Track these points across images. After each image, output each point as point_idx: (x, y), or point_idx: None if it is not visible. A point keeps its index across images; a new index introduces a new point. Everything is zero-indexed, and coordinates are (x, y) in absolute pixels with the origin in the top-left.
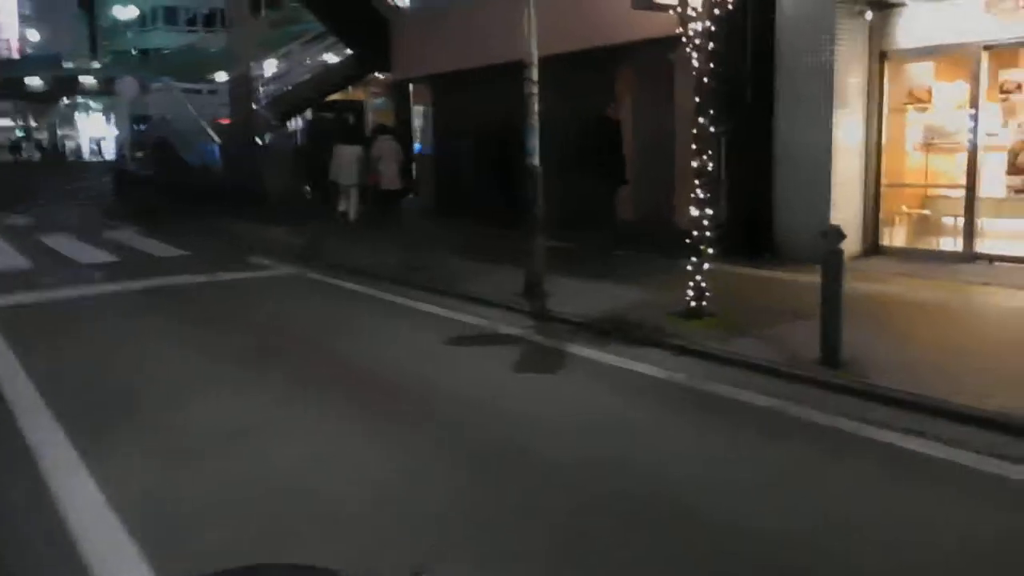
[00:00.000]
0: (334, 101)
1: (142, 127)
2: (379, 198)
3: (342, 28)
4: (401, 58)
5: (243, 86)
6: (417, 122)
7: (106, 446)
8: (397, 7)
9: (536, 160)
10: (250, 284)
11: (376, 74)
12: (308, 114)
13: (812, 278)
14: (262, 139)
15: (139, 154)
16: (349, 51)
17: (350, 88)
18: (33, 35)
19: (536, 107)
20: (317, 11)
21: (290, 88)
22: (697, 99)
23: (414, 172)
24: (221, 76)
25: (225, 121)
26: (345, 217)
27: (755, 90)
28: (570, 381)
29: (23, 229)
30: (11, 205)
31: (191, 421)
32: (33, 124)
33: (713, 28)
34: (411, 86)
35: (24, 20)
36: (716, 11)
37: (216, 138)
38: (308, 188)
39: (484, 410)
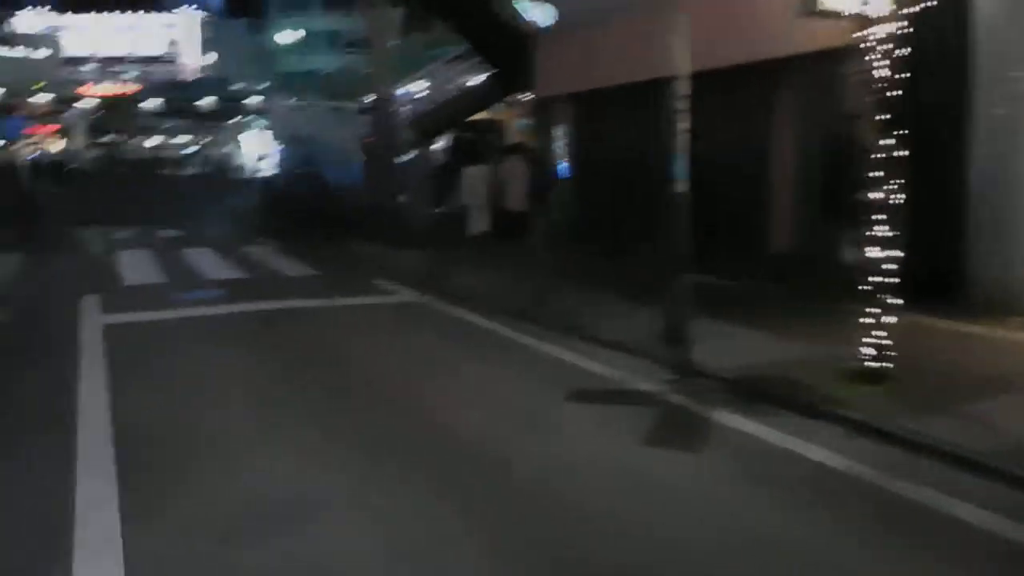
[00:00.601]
0: (475, 121)
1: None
2: (505, 220)
3: (484, 47)
4: (542, 76)
5: (384, 106)
6: (558, 143)
7: (155, 516)
8: (536, 25)
9: (682, 187)
10: (366, 312)
11: (518, 95)
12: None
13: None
14: (403, 159)
15: (289, 171)
16: (491, 70)
17: (496, 108)
18: (209, 59)
19: (683, 128)
20: (460, 30)
21: (432, 108)
22: (879, 117)
23: (551, 195)
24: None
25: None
26: (474, 239)
27: (941, 107)
28: (716, 469)
29: (171, 243)
30: (168, 218)
31: (252, 491)
32: (204, 142)
33: (901, 32)
34: (553, 106)
35: (203, 45)
36: (905, 11)
37: (358, 157)
38: (438, 210)
39: (602, 514)
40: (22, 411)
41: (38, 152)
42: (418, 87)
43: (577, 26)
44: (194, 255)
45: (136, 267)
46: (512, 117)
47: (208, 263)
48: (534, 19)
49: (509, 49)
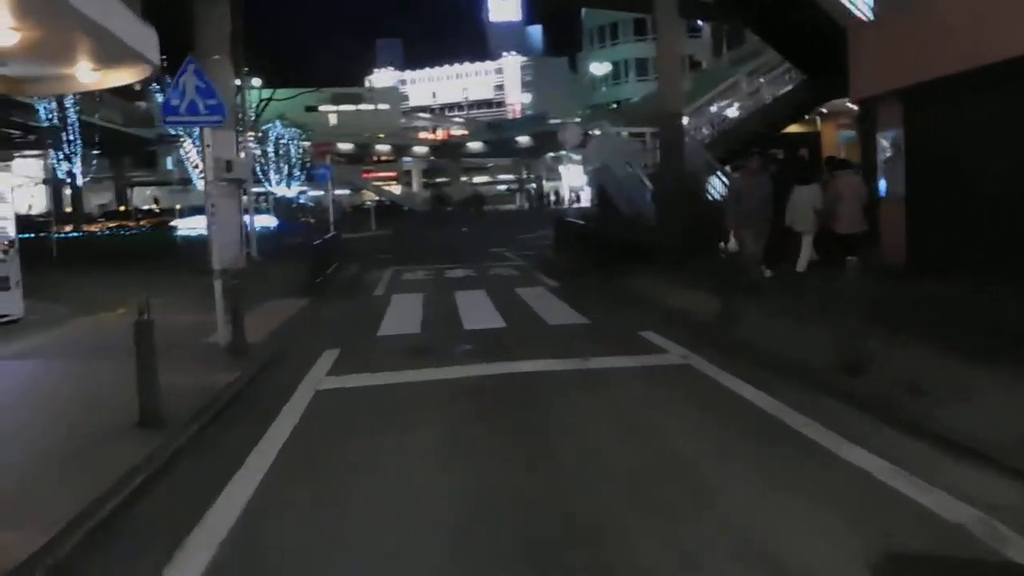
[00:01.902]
0: (784, 135)
1: (593, 177)
2: (836, 245)
3: (794, 50)
4: (860, 73)
5: (672, 128)
6: (883, 154)
7: None
8: (856, 15)
9: None
10: (616, 382)
11: (839, 101)
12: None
13: None
14: (699, 184)
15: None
16: (803, 76)
17: (810, 118)
18: (526, 98)
19: None
20: (766, 34)
21: (732, 125)
22: None
23: (875, 218)
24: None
25: None
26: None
27: None
28: None
29: (453, 284)
30: (460, 256)
31: None
32: (524, 176)
33: None
34: (877, 110)
35: (523, 86)
36: None
37: (649, 185)
38: (724, 244)
39: None
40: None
41: (377, 196)
42: (719, 105)
43: (908, 4)
44: (465, 299)
45: (402, 313)
46: (832, 128)
47: (473, 307)
48: (854, 8)
49: (822, 49)
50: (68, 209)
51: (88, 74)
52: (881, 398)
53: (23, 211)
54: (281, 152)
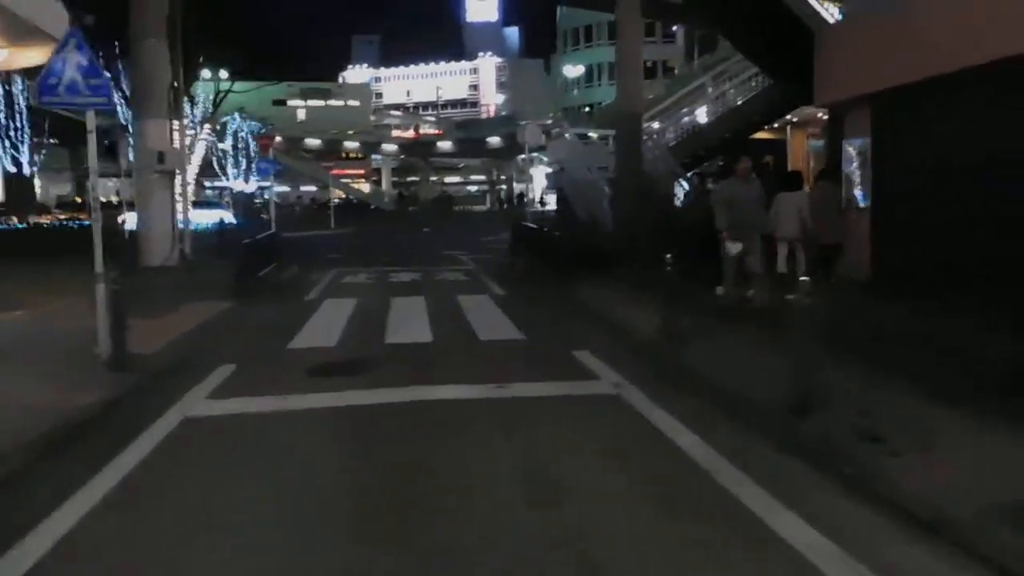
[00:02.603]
0: (752, 141)
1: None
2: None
3: (762, 54)
4: (827, 77)
5: (631, 131)
6: (849, 163)
7: None
8: (824, 17)
9: None
10: (529, 417)
11: (809, 109)
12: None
13: None
14: (660, 189)
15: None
16: (773, 82)
17: (779, 126)
18: (500, 99)
19: None
20: (734, 38)
21: (698, 130)
22: None
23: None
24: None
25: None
26: (785, 278)
27: None
28: None
29: (392, 289)
30: (412, 258)
31: None
32: (495, 177)
33: None
34: (844, 117)
35: (498, 87)
36: None
37: (608, 189)
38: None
39: None
40: None
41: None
42: (685, 110)
43: (879, 5)
44: (400, 307)
45: (325, 322)
46: (801, 136)
47: (404, 318)
48: (824, 9)
49: (793, 54)
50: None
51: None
52: (829, 446)
53: None
54: (240, 146)
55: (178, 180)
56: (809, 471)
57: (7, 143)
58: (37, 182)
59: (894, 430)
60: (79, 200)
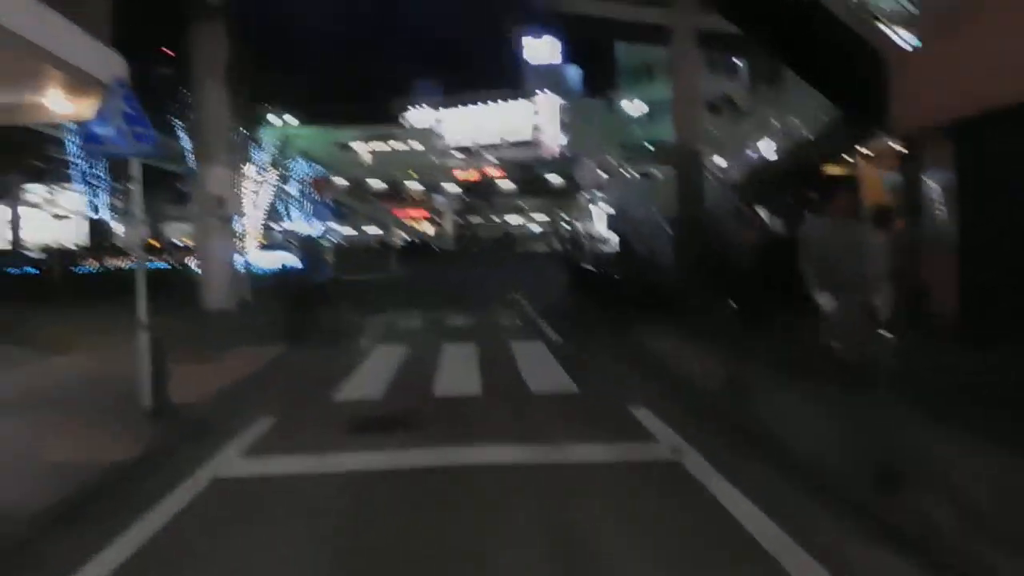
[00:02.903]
0: (821, 175)
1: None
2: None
3: (831, 84)
4: (904, 106)
5: (690, 167)
6: (930, 197)
7: None
8: (898, 42)
9: None
10: (578, 487)
11: (882, 140)
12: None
13: None
14: (723, 227)
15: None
16: (840, 114)
17: (850, 159)
18: (562, 138)
19: None
20: (799, 68)
21: (763, 165)
22: None
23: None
24: (719, 160)
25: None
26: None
27: None
28: None
29: (447, 333)
30: (470, 301)
31: None
32: (557, 217)
33: None
34: (924, 147)
35: (560, 126)
36: None
37: (667, 229)
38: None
39: None
40: None
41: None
42: (750, 144)
43: (961, 18)
44: (451, 354)
45: (374, 371)
46: (873, 169)
47: (455, 367)
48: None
49: (864, 83)
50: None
51: (59, 103)
52: (921, 531)
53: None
54: (305, 190)
55: (242, 223)
56: (899, 561)
57: (90, 190)
58: (119, 226)
59: (1002, 511)
60: (155, 243)
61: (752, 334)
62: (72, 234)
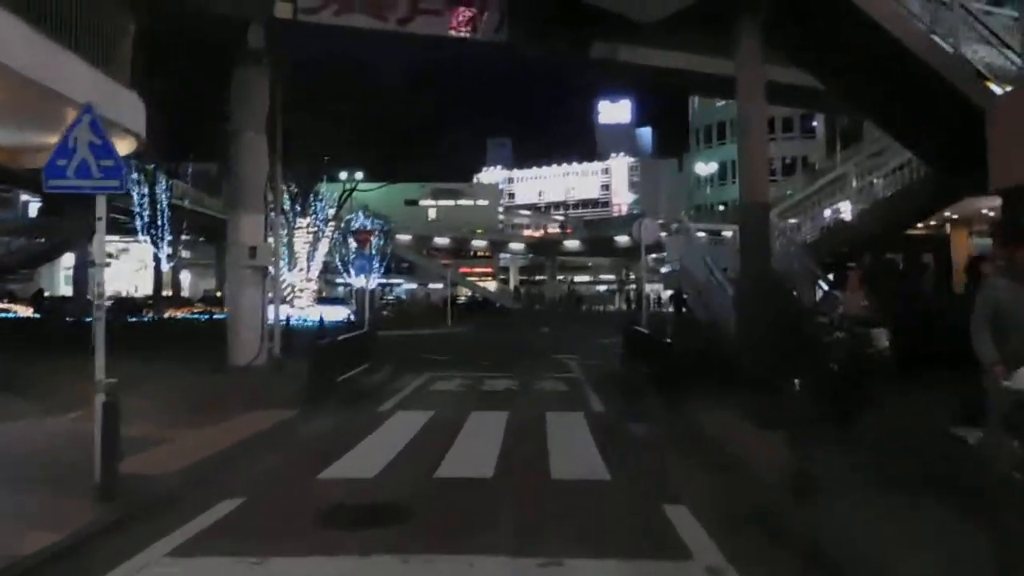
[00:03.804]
0: (905, 237)
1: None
2: None
3: (919, 140)
4: (1002, 159)
5: (757, 224)
6: None
7: None
8: (998, 92)
9: None
10: None
11: (971, 202)
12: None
13: None
14: (795, 292)
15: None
16: (928, 171)
17: (937, 221)
18: (631, 198)
19: None
20: (885, 122)
21: (840, 225)
22: None
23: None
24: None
25: None
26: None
27: None
28: None
29: (481, 397)
30: (518, 362)
31: None
32: (625, 277)
33: None
34: None
35: (630, 186)
36: None
37: (730, 292)
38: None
39: None
40: None
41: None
42: (824, 203)
43: None
44: (476, 425)
45: (383, 442)
46: (962, 233)
47: (473, 441)
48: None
49: (957, 138)
50: (169, 293)
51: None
52: None
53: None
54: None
55: (294, 275)
56: None
57: (155, 240)
58: (187, 277)
59: None
60: (219, 294)
61: (839, 416)
62: (149, 283)
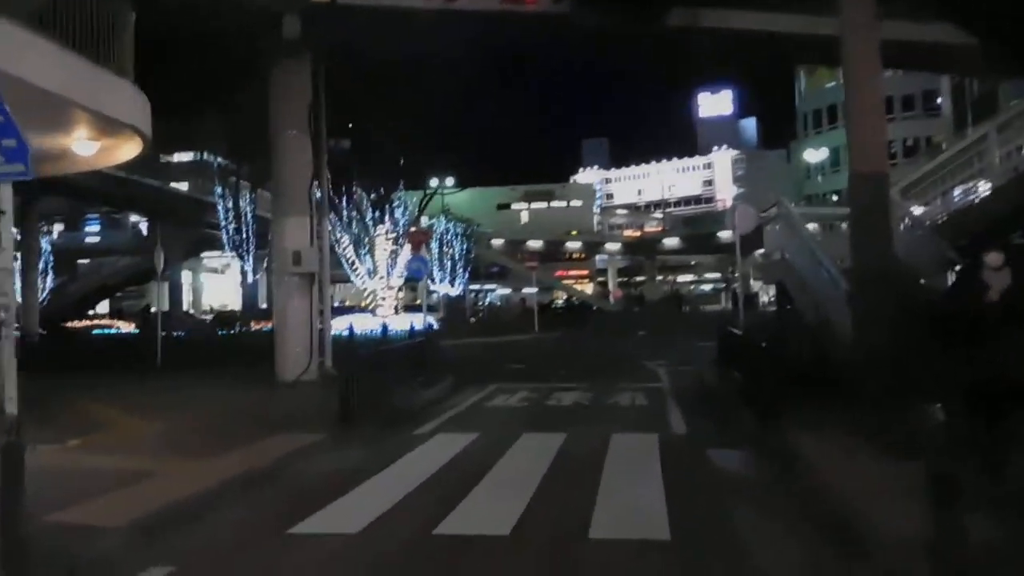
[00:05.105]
0: None
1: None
2: None
3: None
4: None
5: (873, 199)
6: None
7: None
8: None
9: None
10: None
11: None
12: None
13: None
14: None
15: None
16: None
17: None
18: (736, 192)
19: None
20: None
21: (978, 202)
22: None
23: None
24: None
25: None
26: None
27: None
28: None
29: (541, 414)
30: (599, 370)
31: None
32: (731, 275)
33: None
34: None
35: (735, 180)
36: None
37: (844, 283)
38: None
39: None
40: None
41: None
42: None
43: None
44: (520, 452)
45: (391, 479)
46: None
47: (506, 477)
48: None
49: None
50: (265, 305)
51: (83, 147)
52: None
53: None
54: (446, 249)
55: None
56: None
57: (241, 254)
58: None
59: None
60: None
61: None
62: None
